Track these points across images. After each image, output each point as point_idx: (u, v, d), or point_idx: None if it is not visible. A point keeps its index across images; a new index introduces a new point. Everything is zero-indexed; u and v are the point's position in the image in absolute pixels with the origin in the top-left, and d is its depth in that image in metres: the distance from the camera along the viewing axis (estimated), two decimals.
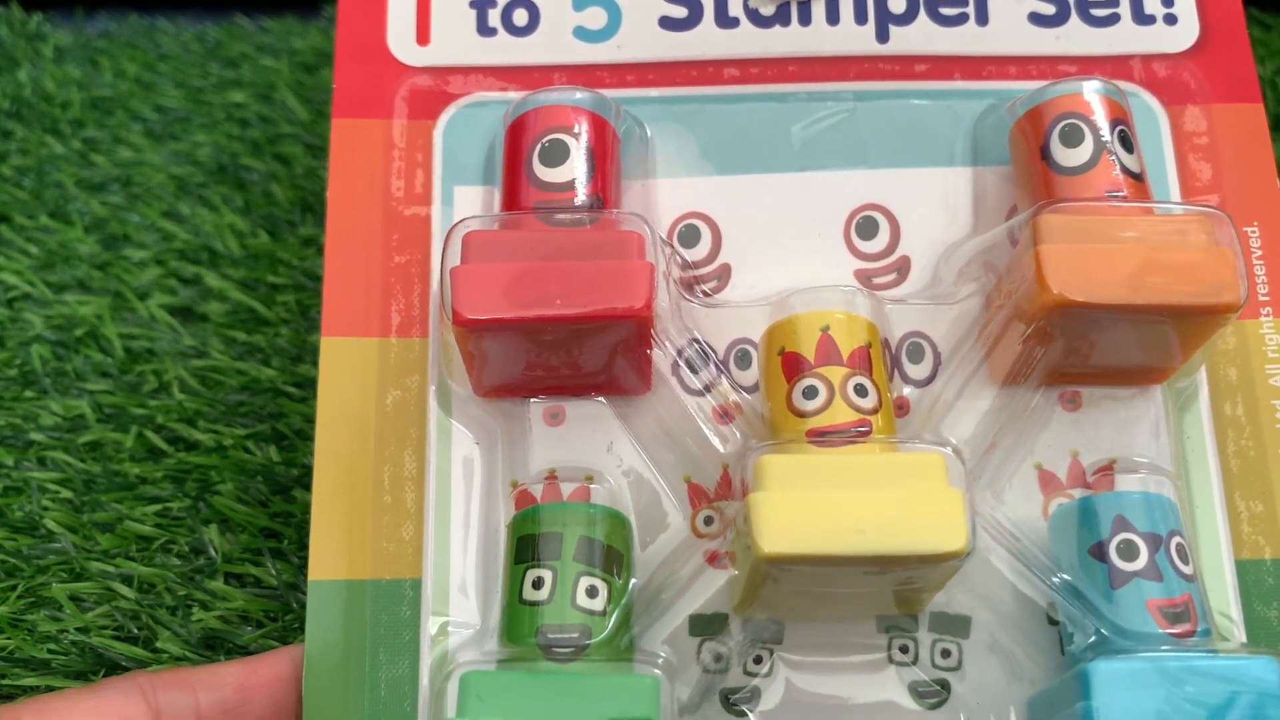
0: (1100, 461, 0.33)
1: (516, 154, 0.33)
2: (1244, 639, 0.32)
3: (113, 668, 0.40)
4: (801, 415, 0.30)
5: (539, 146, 0.32)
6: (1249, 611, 0.32)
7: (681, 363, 0.33)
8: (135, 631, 0.40)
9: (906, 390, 0.34)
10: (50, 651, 0.40)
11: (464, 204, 0.35)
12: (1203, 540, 0.33)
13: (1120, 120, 0.33)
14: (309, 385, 0.44)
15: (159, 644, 0.40)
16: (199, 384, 0.44)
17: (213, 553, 0.41)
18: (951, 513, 0.28)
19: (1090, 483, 0.33)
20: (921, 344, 0.34)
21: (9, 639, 0.40)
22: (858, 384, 0.30)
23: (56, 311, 0.45)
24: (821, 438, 0.30)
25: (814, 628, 0.32)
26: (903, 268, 0.35)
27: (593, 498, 0.33)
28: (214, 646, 0.40)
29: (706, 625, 0.32)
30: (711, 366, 0.34)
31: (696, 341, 0.34)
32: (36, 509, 0.42)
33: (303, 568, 0.40)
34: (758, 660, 0.32)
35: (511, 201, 0.32)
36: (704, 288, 0.35)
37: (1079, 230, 0.30)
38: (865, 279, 0.35)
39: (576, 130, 0.33)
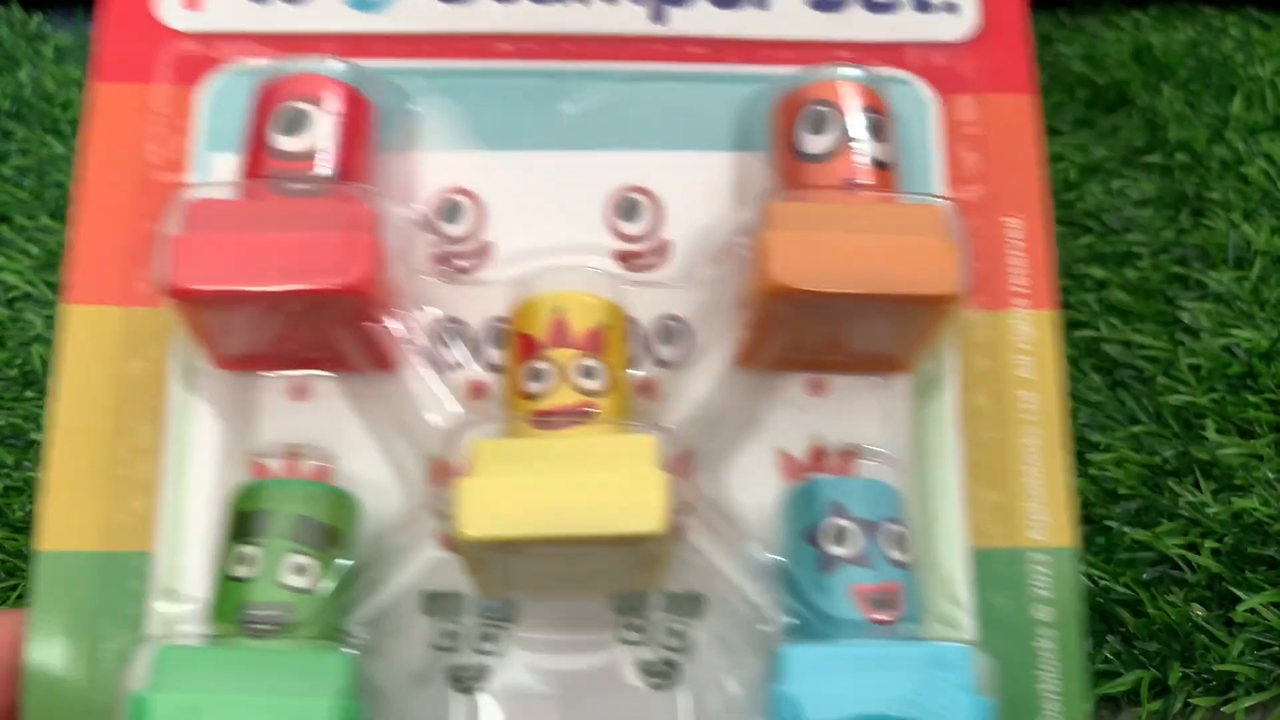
0: (842, 447, 0.33)
1: (258, 123, 0.32)
2: (975, 626, 0.32)
3: None
4: (528, 397, 0.30)
5: (279, 115, 0.32)
6: (982, 599, 0.32)
7: (432, 340, 0.33)
8: None
9: (656, 372, 0.34)
10: None
11: (221, 172, 0.34)
12: (940, 528, 0.33)
13: (873, 108, 0.33)
14: None
15: None
16: None
17: None
18: (651, 494, 0.28)
19: (830, 468, 0.33)
20: (673, 326, 0.34)
21: None
22: (586, 366, 0.30)
23: (57, 312, 0.45)
24: (544, 419, 0.30)
25: (548, 607, 0.32)
26: (662, 250, 0.35)
27: (332, 476, 0.32)
28: None
29: (439, 604, 0.32)
30: (462, 344, 0.33)
31: (450, 319, 0.34)
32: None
33: None
34: (489, 638, 0.32)
35: (249, 172, 0.32)
36: (462, 264, 0.34)
37: (806, 218, 0.30)
38: (625, 260, 0.35)
39: (321, 99, 0.32)
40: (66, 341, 0.33)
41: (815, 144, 0.32)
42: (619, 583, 0.32)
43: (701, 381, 0.33)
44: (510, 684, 0.32)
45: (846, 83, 0.33)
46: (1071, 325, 0.42)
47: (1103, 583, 0.36)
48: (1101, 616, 0.36)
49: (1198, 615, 0.36)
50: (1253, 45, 0.49)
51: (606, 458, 0.28)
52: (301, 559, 0.29)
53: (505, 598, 0.32)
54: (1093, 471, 0.38)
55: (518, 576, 0.30)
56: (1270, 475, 0.38)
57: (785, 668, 0.28)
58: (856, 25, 0.36)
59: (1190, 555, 0.37)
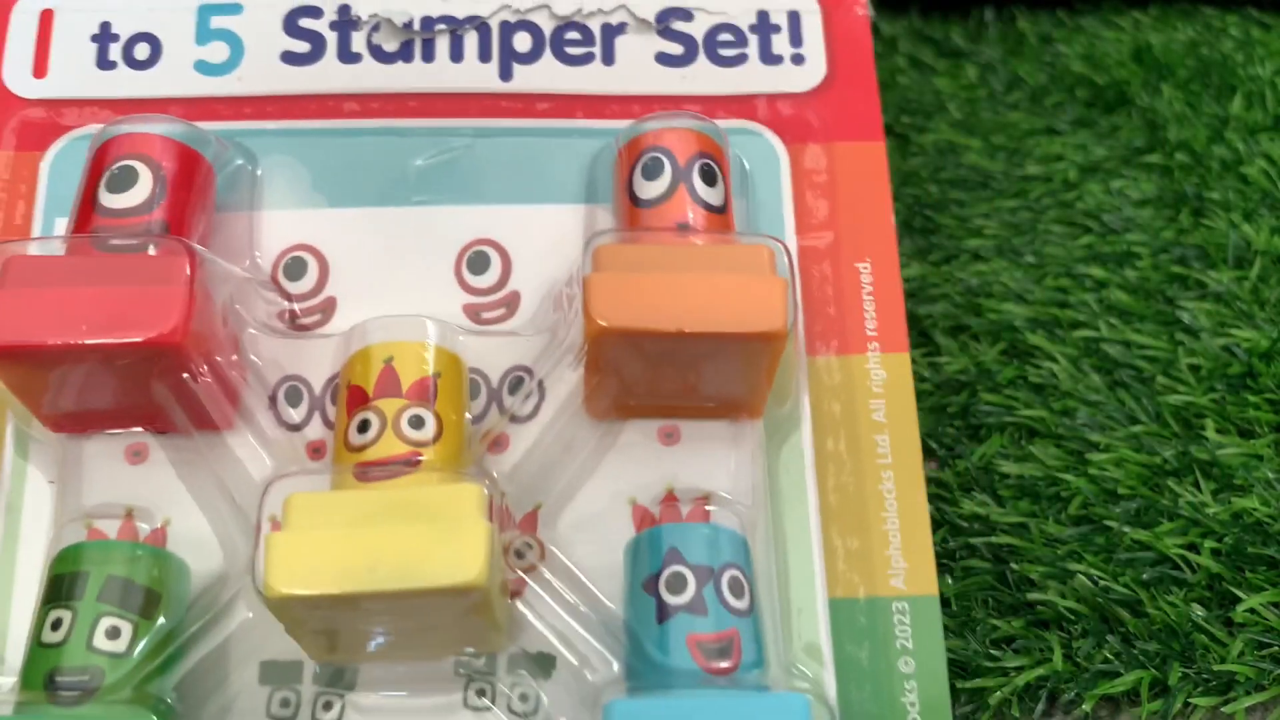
0: (695, 495, 0.32)
1: (89, 182, 0.32)
2: (834, 678, 0.31)
3: None
4: (354, 449, 0.29)
5: (108, 173, 0.32)
6: (839, 651, 0.31)
7: (272, 398, 0.32)
8: None
9: (509, 426, 0.33)
10: None
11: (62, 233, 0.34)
12: (796, 578, 0.32)
13: (707, 154, 0.33)
14: None
15: None
16: None
17: None
18: (472, 545, 0.27)
19: (684, 517, 0.32)
20: (524, 377, 0.33)
21: None
22: (413, 415, 0.30)
23: None
24: (366, 471, 0.29)
25: (389, 672, 0.31)
26: (512, 303, 0.34)
27: (170, 539, 0.31)
28: None
29: (278, 673, 0.31)
30: (303, 403, 0.33)
31: (291, 377, 0.33)
32: None
33: None
34: (327, 706, 0.31)
35: (76, 228, 0.31)
36: (305, 321, 0.34)
37: (632, 260, 0.30)
38: (474, 314, 0.34)
39: (151, 157, 0.32)
40: None
41: (649, 189, 0.32)
42: (457, 644, 0.30)
43: (550, 432, 0.33)
44: None
45: (680, 130, 0.33)
46: (1071, 325, 0.42)
47: (1102, 583, 0.36)
48: (1101, 616, 0.36)
49: (1198, 615, 0.35)
50: (1253, 45, 0.50)
51: (426, 508, 0.27)
52: (116, 621, 0.28)
53: (340, 663, 0.31)
54: (1093, 471, 0.38)
55: (344, 638, 0.29)
56: (1270, 475, 0.38)
57: None
58: (704, 79, 0.37)
59: (1190, 555, 0.37)
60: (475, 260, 0.35)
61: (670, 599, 0.28)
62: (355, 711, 0.31)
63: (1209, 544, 0.37)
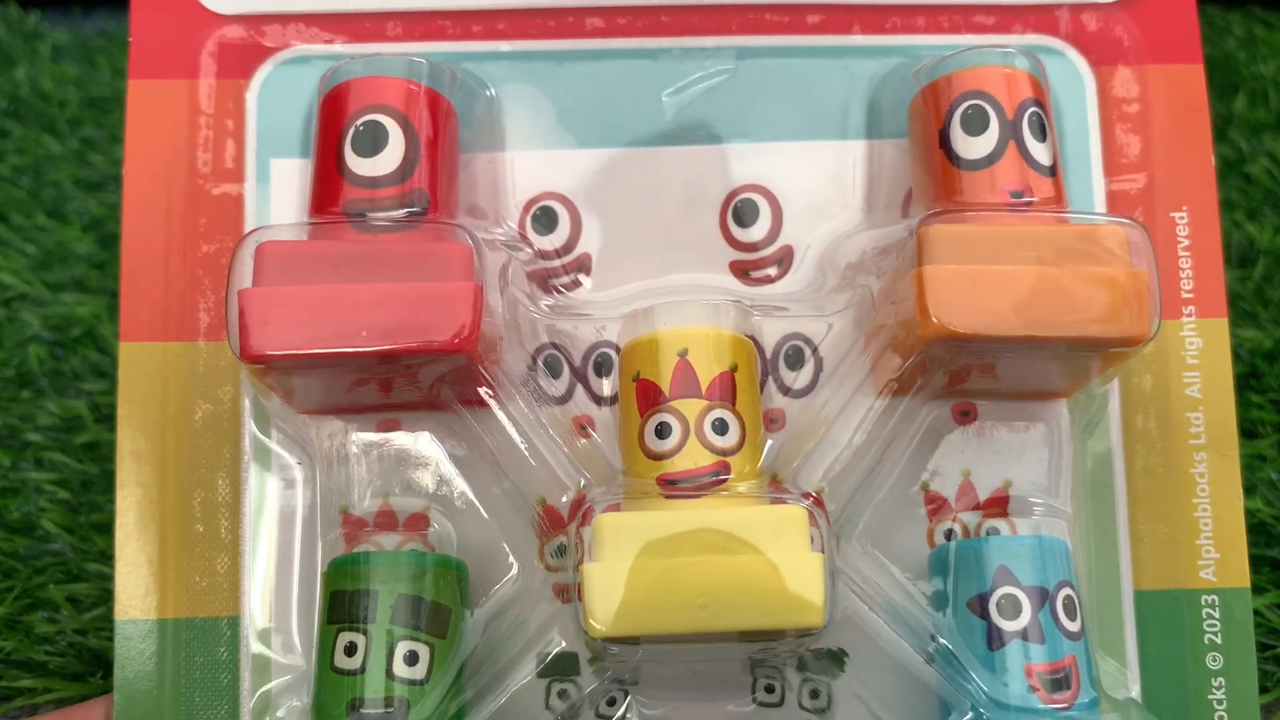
0: (994, 484, 0.30)
1: (328, 139, 0.28)
2: (1138, 672, 0.29)
3: (110, 669, 0.38)
4: (654, 457, 0.27)
5: (352, 130, 0.27)
6: (1144, 645, 0.30)
7: (533, 373, 0.29)
8: None
9: (784, 401, 0.30)
10: (47, 653, 0.39)
11: (282, 180, 0.30)
12: (1101, 567, 0.30)
13: (1034, 101, 0.28)
14: None
15: None
16: None
17: None
18: (808, 582, 0.24)
19: (981, 507, 0.30)
20: (802, 349, 0.30)
21: (6, 640, 0.39)
22: (716, 419, 0.27)
23: (54, 311, 0.44)
24: (673, 484, 0.26)
25: (674, 666, 0.29)
26: (785, 259, 0.31)
27: (430, 530, 0.29)
28: None
29: (556, 665, 0.29)
30: (565, 377, 0.30)
31: (555, 346, 0.30)
32: (34, 510, 0.41)
33: None
34: (611, 702, 0.29)
35: (320, 197, 0.27)
36: (559, 282, 0.30)
37: (970, 245, 0.26)
38: (742, 272, 0.31)
39: (399, 108, 0.28)
40: (124, 385, 0.30)
41: (972, 147, 0.28)
42: (751, 650, 0.29)
43: (834, 411, 0.30)
44: None
45: (1007, 71, 0.28)
46: None
47: None
48: None
49: None
50: (1255, 44, 0.49)
51: (752, 535, 0.25)
52: (414, 645, 0.26)
53: (629, 663, 0.29)
54: None
55: (646, 652, 0.28)
56: (1274, 476, 0.38)
57: None
58: None
59: None
60: (742, 210, 0.31)
61: (1004, 624, 0.26)
62: (641, 708, 0.29)
63: None
